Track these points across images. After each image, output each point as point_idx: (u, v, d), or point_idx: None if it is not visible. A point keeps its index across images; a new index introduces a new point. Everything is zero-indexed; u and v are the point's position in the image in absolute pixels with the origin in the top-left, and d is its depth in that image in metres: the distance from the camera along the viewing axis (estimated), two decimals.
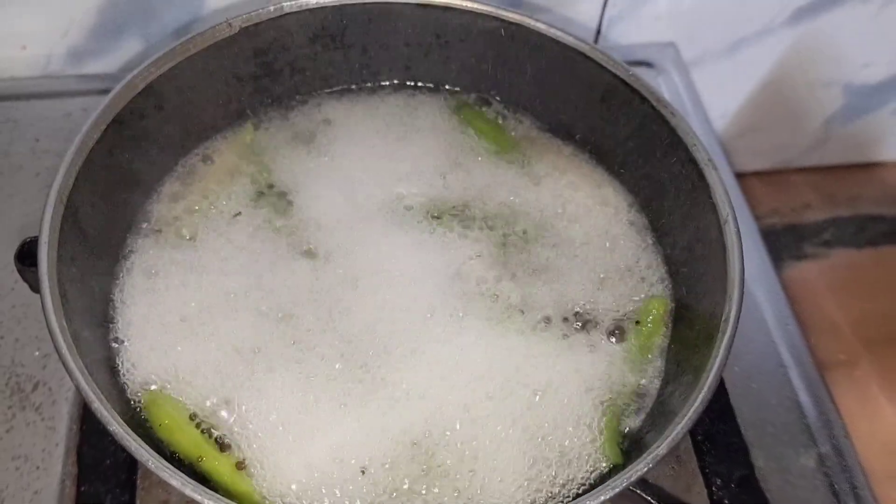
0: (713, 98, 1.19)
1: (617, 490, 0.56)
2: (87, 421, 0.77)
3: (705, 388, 0.60)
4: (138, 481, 0.74)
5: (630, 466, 0.57)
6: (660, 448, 0.57)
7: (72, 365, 0.56)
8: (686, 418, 0.59)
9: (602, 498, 0.55)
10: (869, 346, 1.23)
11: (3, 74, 1.02)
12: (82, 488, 0.73)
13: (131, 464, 0.74)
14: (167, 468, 0.54)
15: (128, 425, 0.56)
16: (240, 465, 0.65)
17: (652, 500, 0.69)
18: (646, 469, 0.57)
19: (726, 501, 0.77)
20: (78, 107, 1.00)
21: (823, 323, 1.25)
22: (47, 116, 0.99)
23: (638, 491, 0.62)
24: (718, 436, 0.80)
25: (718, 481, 0.78)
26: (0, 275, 0.86)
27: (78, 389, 0.56)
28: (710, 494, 0.78)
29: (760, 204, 1.35)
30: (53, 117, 0.99)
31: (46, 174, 0.94)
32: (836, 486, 0.81)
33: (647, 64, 1.12)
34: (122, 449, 0.71)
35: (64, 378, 0.80)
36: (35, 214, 0.87)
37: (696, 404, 0.59)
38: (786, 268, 1.30)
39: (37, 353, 0.82)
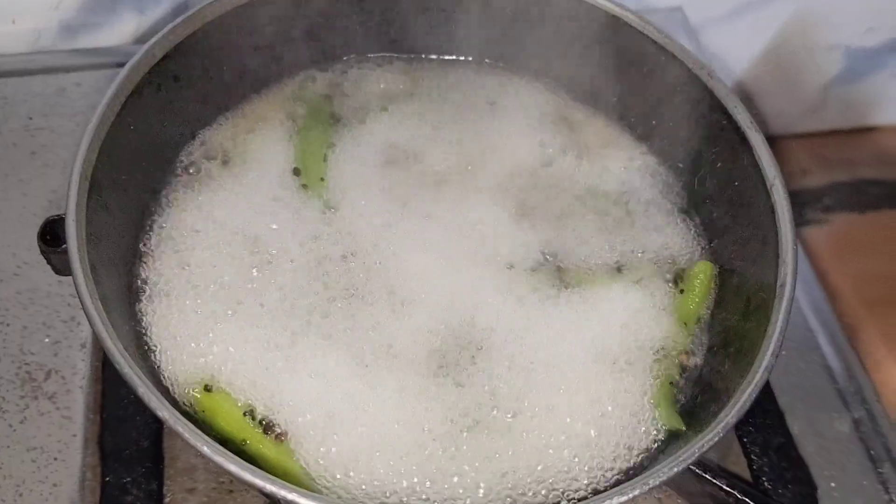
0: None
1: (689, 461, 0.54)
2: (107, 408, 0.74)
3: (769, 353, 0.59)
4: (165, 469, 0.72)
5: (700, 435, 0.56)
6: (729, 416, 0.56)
7: (114, 351, 0.53)
8: (753, 384, 0.58)
9: (676, 469, 0.54)
10: (872, 308, 1.23)
11: None
12: (107, 478, 0.70)
13: (156, 452, 0.72)
14: (223, 453, 0.51)
15: None
16: (279, 437, 0.63)
17: (697, 471, 0.69)
18: (717, 439, 0.55)
19: (766, 469, 0.76)
20: (71, 82, 0.97)
21: (826, 287, 1.25)
22: (40, 93, 0.96)
23: None
24: (754, 404, 0.79)
25: (757, 449, 0.78)
26: (2, 258, 0.83)
27: (123, 377, 0.53)
28: (750, 463, 0.77)
29: None
30: (46, 94, 0.96)
31: (42, 152, 0.91)
32: (872, 451, 0.81)
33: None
34: (147, 437, 0.72)
35: (77, 365, 0.77)
36: (34, 194, 0.88)
37: (762, 370, 0.58)
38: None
39: (46, 340, 0.79)
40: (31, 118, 0.93)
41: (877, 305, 1.23)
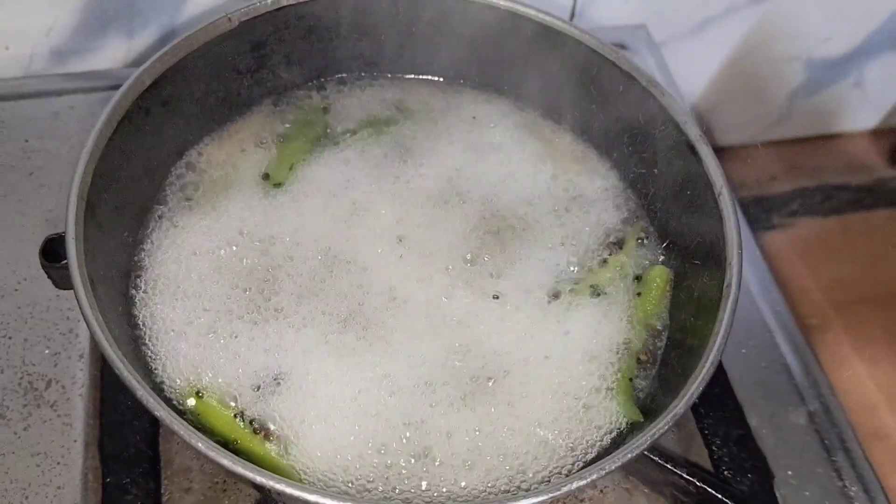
0: (681, 77, 1.22)
1: (643, 447, 0.59)
2: (105, 414, 0.78)
3: (715, 349, 0.63)
4: (162, 470, 0.76)
5: (652, 424, 0.60)
6: (678, 407, 0.61)
7: (115, 358, 0.57)
8: (699, 378, 0.62)
9: (630, 455, 0.58)
10: (839, 309, 1.28)
11: None
12: (107, 480, 0.74)
13: (154, 454, 0.76)
14: (216, 448, 0.56)
15: None
16: (268, 437, 0.68)
17: (659, 461, 0.74)
18: (666, 427, 0.60)
19: (726, 459, 0.81)
20: (65, 105, 1.00)
21: (794, 289, 1.30)
22: (35, 116, 0.99)
23: (646, 453, 0.66)
24: (714, 398, 0.84)
25: (717, 441, 0.82)
26: (3, 276, 0.86)
27: (124, 383, 0.57)
28: (711, 454, 0.81)
29: (728, 178, 1.39)
30: (41, 117, 0.99)
31: (39, 173, 0.94)
32: (826, 441, 0.85)
33: (620, 46, 1.15)
34: (144, 440, 0.76)
35: (76, 375, 0.81)
36: (32, 213, 0.91)
37: (708, 364, 0.63)
38: (756, 238, 1.34)
39: (46, 352, 0.82)
40: (27, 140, 0.96)
41: (842, 306, 1.28)
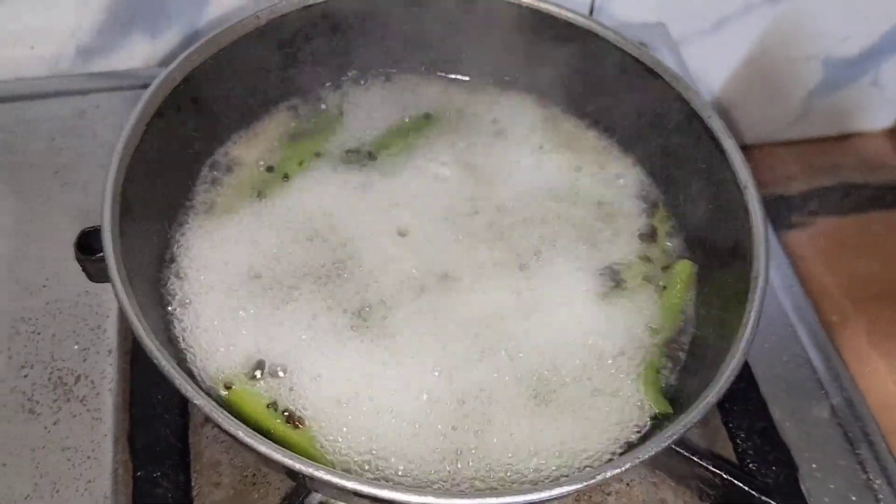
0: (699, 76, 1.23)
1: (678, 435, 0.59)
2: (135, 408, 0.78)
3: (746, 337, 0.64)
4: (192, 464, 0.76)
5: (686, 413, 0.61)
6: (710, 396, 0.61)
7: (153, 349, 0.58)
8: (731, 367, 0.63)
9: (663, 445, 0.59)
10: (858, 305, 1.28)
11: (11, 75, 1.03)
12: (138, 473, 0.74)
13: (183, 447, 0.76)
14: (254, 435, 0.56)
15: None
16: (298, 424, 0.69)
17: (686, 454, 0.74)
18: (700, 416, 0.60)
19: (751, 452, 0.81)
20: (90, 104, 1.01)
21: (814, 287, 1.30)
22: (60, 115, 0.99)
23: (673, 446, 0.66)
24: (738, 392, 0.84)
25: (742, 434, 0.82)
26: (31, 273, 0.87)
27: (166, 377, 0.58)
28: (735, 447, 0.82)
29: None
30: (66, 116, 0.99)
31: (64, 171, 0.94)
32: (849, 434, 0.86)
33: (640, 44, 1.15)
34: (174, 434, 0.76)
35: (105, 370, 0.81)
36: (59, 211, 0.91)
37: (739, 353, 0.63)
38: (776, 236, 1.35)
39: (76, 347, 0.82)
40: (53, 139, 0.97)
41: (861, 302, 1.28)
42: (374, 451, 0.69)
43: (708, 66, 1.26)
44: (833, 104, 1.41)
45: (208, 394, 0.67)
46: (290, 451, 0.63)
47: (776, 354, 0.91)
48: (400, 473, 0.67)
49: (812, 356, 0.91)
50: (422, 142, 0.88)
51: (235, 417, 0.66)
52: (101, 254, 0.63)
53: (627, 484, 0.80)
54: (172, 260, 0.77)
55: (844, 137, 1.46)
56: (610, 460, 0.71)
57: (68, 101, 1.01)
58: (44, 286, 0.86)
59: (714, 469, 0.75)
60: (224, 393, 0.70)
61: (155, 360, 0.58)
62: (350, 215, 0.82)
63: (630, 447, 0.72)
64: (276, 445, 0.56)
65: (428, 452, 0.69)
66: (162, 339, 0.68)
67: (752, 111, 1.37)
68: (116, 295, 0.61)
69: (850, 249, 1.36)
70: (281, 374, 0.72)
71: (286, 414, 0.70)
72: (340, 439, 0.69)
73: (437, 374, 0.73)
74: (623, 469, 0.59)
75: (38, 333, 0.83)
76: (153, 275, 0.75)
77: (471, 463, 0.69)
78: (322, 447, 0.68)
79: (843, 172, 1.44)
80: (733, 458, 0.81)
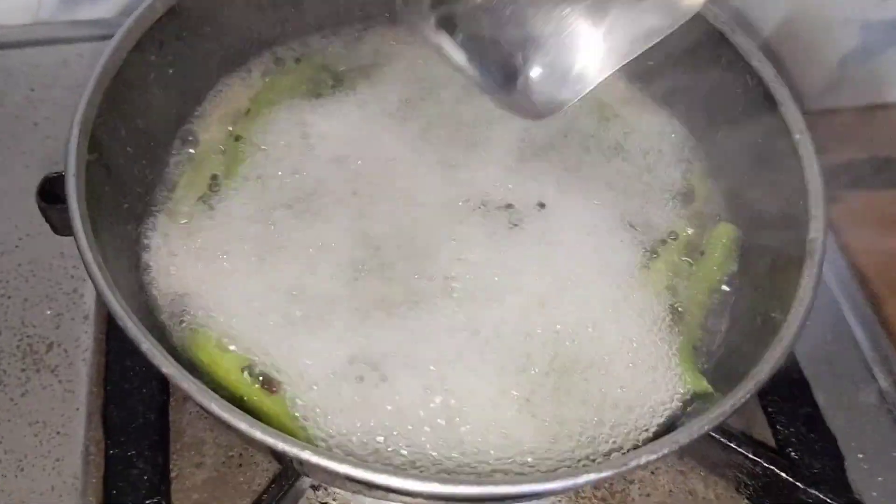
0: None
1: (724, 417, 0.52)
2: (110, 381, 0.72)
3: (803, 309, 0.56)
4: (172, 443, 0.70)
5: (732, 392, 0.53)
6: (762, 373, 0.54)
7: (116, 307, 0.51)
8: (784, 342, 0.55)
9: (707, 427, 0.52)
10: (892, 284, 1.21)
11: None
12: (111, 452, 0.68)
13: (163, 425, 0.70)
14: (231, 409, 0.49)
15: None
16: (272, 389, 0.62)
17: (722, 439, 0.67)
18: (748, 396, 0.53)
19: (793, 440, 0.74)
20: (73, 53, 0.95)
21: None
22: (41, 64, 0.94)
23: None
24: (778, 373, 0.77)
25: (783, 419, 0.76)
26: (3, 230, 0.81)
27: (131, 338, 0.51)
28: (775, 433, 0.75)
29: None
30: (48, 65, 0.94)
31: (45, 123, 0.89)
32: None
33: None
34: (152, 410, 0.69)
35: (80, 338, 0.76)
36: (37, 166, 0.86)
37: (795, 327, 0.56)
38: None
39: (48, 313, 0.77)
40: (32, 89, 0.92)
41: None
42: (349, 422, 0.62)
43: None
44: (867, 72, 1.33)
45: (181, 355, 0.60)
46: (266, 418, 0.57)
47: (818, 332, 0.84)
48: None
49: (857, 335, 0.85)
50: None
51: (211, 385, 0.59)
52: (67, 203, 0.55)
53: (652, 472, 0.74)
54: (153, 214, 0.70)
55: (880, 107, 1.39)
56: (636, 446, 0.63)
57: (50, 49, 0.96)
58: (17, 246, 0.81)
59: (754, 457, 0.68)
60: (198, 354, 0.63)
61: (119, 321, 0.50)
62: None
63: (662, 429, 0.64)
64: (255, 421, 0.49)
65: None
66: (134, 301, 0.60)
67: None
68: (78, 245, 0.53)
69: (882, 225, 1.29)
70: (259, 335, 0.64)
71: (262, 379, 0.62)
72: (315, 405, 0.61)
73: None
74: (659, 455, 0.52)
75: (9, 297, 0.78)
76: (129, 229, 0.68)
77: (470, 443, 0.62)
78: (299, 412, 0.61)
79: (877, 145, 1.37)
80: (773, 445, 0.75)
